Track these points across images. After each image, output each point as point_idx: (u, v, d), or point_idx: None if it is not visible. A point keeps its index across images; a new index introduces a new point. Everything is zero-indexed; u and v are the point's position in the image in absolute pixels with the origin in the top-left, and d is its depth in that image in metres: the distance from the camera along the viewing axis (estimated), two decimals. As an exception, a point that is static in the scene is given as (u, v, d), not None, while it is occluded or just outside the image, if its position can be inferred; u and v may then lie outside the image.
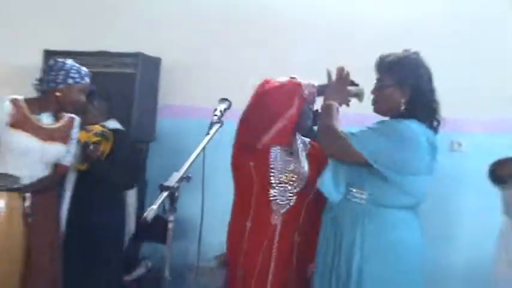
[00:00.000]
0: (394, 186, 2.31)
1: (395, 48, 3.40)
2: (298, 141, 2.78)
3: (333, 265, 2.41)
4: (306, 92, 2.59)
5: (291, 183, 2.67)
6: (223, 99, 2.58)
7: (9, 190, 2.86)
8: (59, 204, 3.39)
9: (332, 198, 2.43)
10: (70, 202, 3.40)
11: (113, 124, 3.52)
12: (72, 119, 3.11)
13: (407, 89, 2.36)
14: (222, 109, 2.52)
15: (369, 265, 2.31)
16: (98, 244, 3.36)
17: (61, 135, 3.04)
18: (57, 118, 3.04)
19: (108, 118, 3.52)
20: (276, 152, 2.70)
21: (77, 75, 2.97)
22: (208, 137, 2.38)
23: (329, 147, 2.43)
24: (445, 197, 3.66)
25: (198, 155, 2.31)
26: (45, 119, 2.99)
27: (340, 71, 2.45)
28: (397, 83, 2.37)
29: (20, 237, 2.88)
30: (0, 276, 2.85)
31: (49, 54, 4.10)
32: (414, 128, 2.32)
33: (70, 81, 2.95)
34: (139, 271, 3.78)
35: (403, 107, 2.37)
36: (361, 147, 2.31)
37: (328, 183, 2.44)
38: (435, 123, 2.41)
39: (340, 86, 2.45)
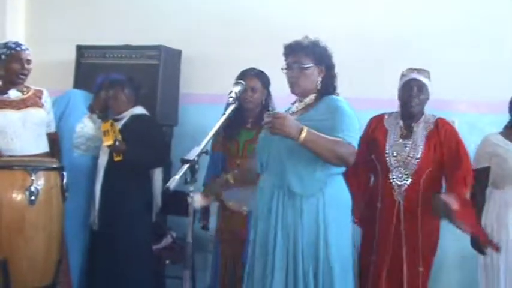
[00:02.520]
0: None
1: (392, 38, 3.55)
2: (420, 124, 3.08)
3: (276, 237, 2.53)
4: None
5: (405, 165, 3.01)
6: (238, 82, 2.67)
7: (47, 170, 3.06)
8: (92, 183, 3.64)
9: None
10: (102, 182, 3.61)
11: (140, 110, 3.71)
12: (39, 90, 3.40)
13: (323, 67, 2.55)
14: (237, 91, 2.57)
15: (331, 222, 2.50)
16: (129, 218, 3.55)
17: (33, 102, 3.30)
18: (23, 92, 3.32)
19: (135, 105, 3.71)
20: (390, 140, 3.03)
21: (4, 50, 3.25)
22: (225, 116, 2.49)
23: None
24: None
25: (215, 132, 2.44)
26: (13, 95, 3.28)
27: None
28: (316, 63, 2.54)
29: (59, 214, 3.10)
30: (39, 252, 3.01)
31: (81, 49, 4.29)
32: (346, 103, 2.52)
33: (3, 57, 3.24)
34: (166, 241, 3.89)
35: (319, 85, 2.56)
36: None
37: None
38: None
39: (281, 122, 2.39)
